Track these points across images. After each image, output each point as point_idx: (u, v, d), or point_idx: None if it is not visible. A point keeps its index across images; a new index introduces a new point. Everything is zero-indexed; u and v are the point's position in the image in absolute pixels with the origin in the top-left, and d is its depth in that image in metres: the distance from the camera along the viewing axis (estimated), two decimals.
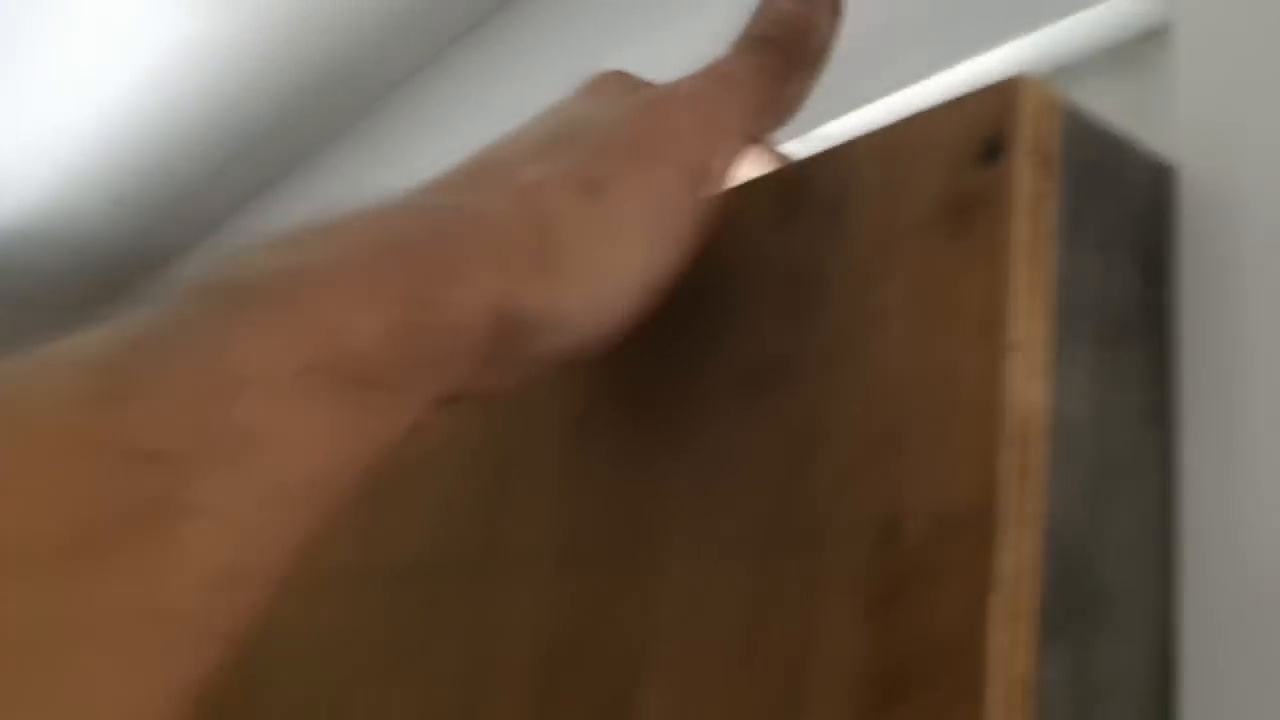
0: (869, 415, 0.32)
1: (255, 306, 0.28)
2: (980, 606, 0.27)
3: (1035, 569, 0.28)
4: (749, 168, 0.39)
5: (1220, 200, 0.35)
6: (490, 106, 0.93)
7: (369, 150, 1.17)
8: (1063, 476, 0.29)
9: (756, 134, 0.39)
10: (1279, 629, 0.30)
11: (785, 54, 0.38)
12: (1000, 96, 0.32)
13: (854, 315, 0.34)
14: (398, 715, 0.47)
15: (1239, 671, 0.31)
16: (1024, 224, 0.30)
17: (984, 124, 0.32)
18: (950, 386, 0.30)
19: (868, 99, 0.49)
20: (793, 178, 0.37)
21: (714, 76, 0.38)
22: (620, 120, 0.36)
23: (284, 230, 0.30)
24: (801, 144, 0.42)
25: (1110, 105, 0.35)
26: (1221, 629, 0.31)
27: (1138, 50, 0.40)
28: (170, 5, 1.08)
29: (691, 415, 0.38)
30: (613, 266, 0.34)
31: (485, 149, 0.37)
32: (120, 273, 1.63)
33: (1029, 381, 0.29)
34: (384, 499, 0.57)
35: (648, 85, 0.39)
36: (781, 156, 0.41)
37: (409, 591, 0.58)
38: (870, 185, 0.35)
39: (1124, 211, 0.34)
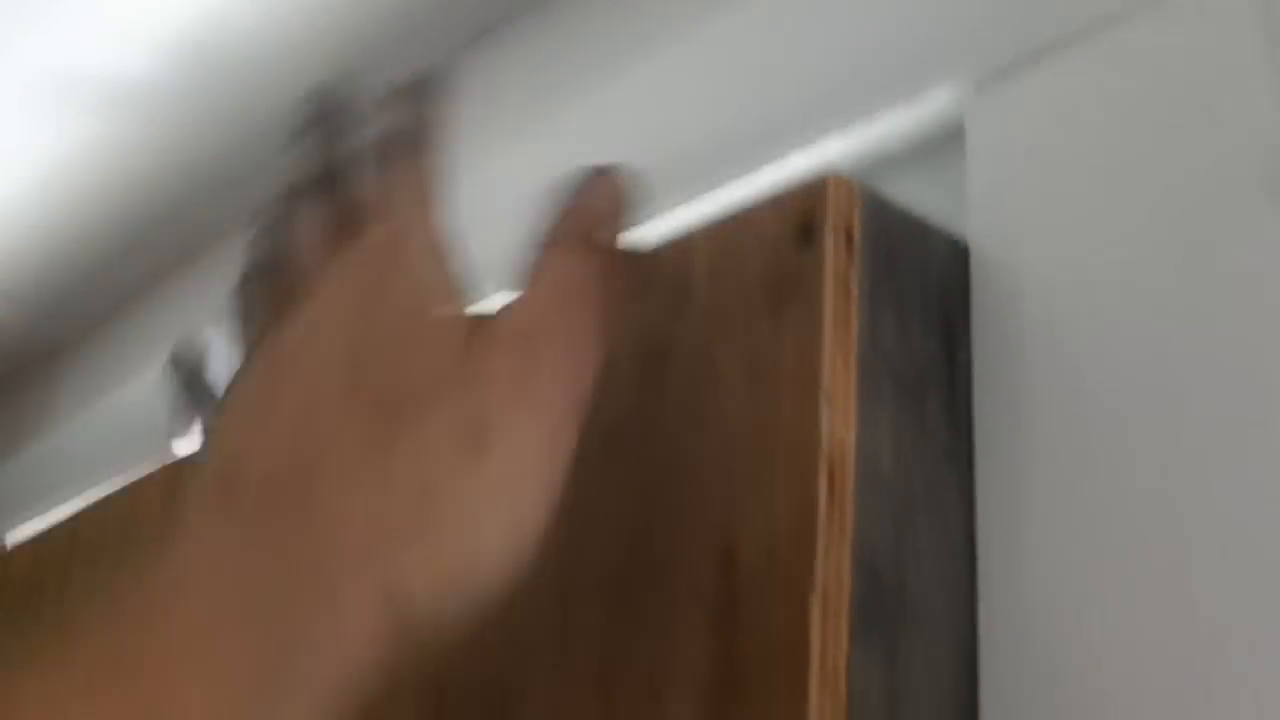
0: (708, 462, 0.38)
1: (78, 681, 0.26)
2: (802, 610, 0.33)
3: (846, 578, 0.34)
4: None
5: (1006, 272, 0.41)
6: None
7: None
8: (870, 503, 0.35)
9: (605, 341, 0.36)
10: (1065, 635, 0.36)
11: (603, 248, 0.37)
12: (811, 190, 0.38)
13: (694, 379, 0.39)
14: None
15: (1032, 668, 0.36)
16: (832, 295, 0.36)
17: (798, 212, 0.38)
18: (774, 432, 0.36)
19: (704, 190, 0.55)
20: (641, 262, 0.43)
21: (561, 293, 0.35)
22: (484, 357, 0.33)
23: (116, 598, 0.28)
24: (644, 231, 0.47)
25: (914, 195, 0.42)
26: (1014, 631, 0.37)
27: (938, 147, 0.47)
28: (59, 108, 1.12)
29: None
30: (501, 525, 0.32)
31: (275, 387, 0.33)
32: (9, 366, 1.64)
33: (839, 423, 0.35)
34: None
35: (446, 295, 0.35)
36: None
37: None
38: (707, 268, 0.40)
39: (923, 282, 0.40)
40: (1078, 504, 0.37)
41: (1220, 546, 0.34)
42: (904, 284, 0.39)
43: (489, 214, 0.41)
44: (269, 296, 0.37)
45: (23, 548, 1.01)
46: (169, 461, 0.78)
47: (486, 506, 0.31)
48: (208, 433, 0.35)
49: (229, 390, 0.35)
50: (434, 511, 0.31)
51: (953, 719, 0.36)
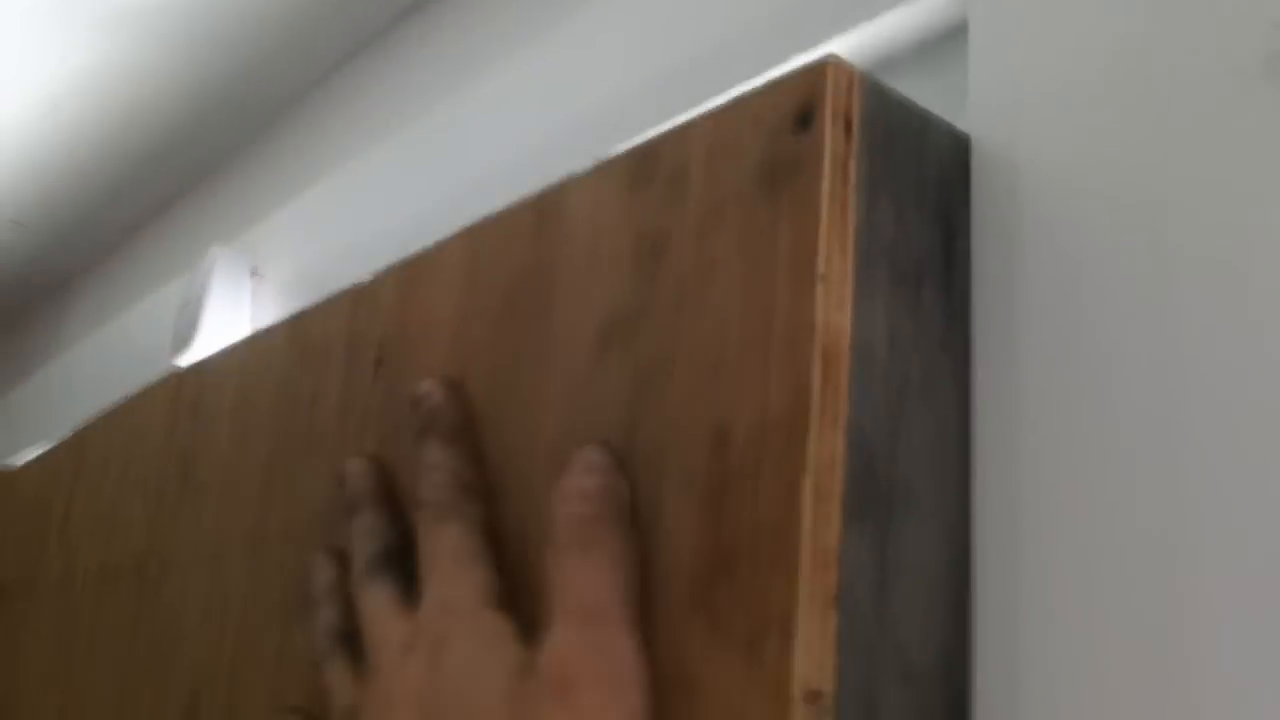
0: (704, 348, 0.37)
1: None
2: (794, 491, 0.33)
3: (840, 462, 0.34)
4: None
5: (1007, 165, 0.41)
6: (385, 120, 0.98)
7: (265, 170, 1.21)
8: (864, 388, 0.35)
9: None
10: (1058, 523, 0.36)
11: (607, 541, 0.37)
12: (810, 74, 0.38)
13: (692, 267, 0.39)
14: None
15: (1027, 554, 0.36)
16: (830, 179, 0.36)
17: (797, 98, 0.38)
18: (769, 316, 0.36)
19: (708, 96, 0.54)
20: (641, 154, 0.43)
21: (584, 618, 0.37)
22: (534, 713, 0.36)
23: None
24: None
25: (917, 94, 0.41)
26: (1011, 518, 0.37)
27: (941, 46, 0.46)
28: (64, 31, 1.12)
29: (555, 369, 0.43)
30: None
31: None
32: (21, 294, 1.64)
33: (834, 309, 0.35)
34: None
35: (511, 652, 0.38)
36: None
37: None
38: (705, 155, 0.40)
39: (922, 172, 0.40)
40: (1074, 396, 0.37)
41: (1216, 439, 0.33)
42: (903, 173, 0.39)
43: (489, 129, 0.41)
44: (347, 672, 0.44)
45: (29, 467, 1.01)
46: (171, 373, 0.78)
47: None
48: None
49: None
50: None
51: (944, 605, 0.36)
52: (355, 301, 0.57)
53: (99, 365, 1.35)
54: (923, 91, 0.42)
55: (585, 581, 0.37)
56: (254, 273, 0.93)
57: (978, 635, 0.36)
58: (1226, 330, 0.34)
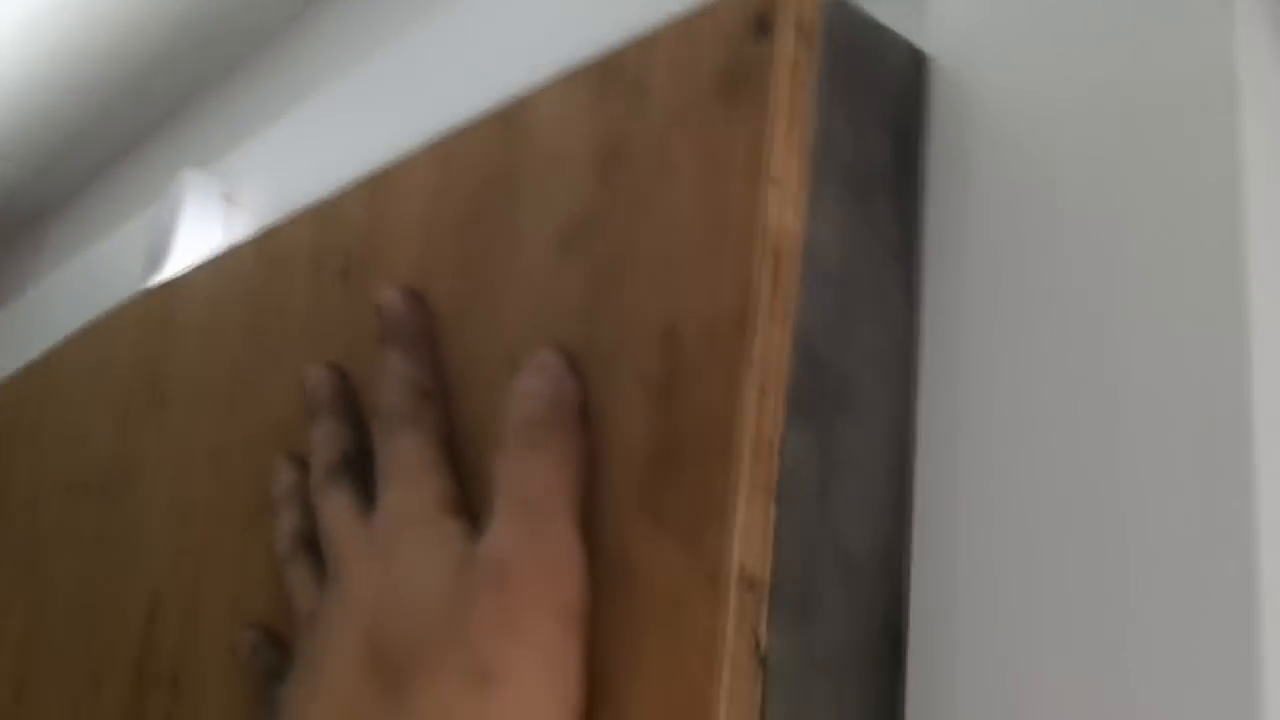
0: (658, 249, 0.38)
1: None
2: (737, 385, 0.34)
3: (785, 359, 0.34)
4: None
5: (964, 82, 0.41)
6: (358, 49, 0.98)
7: (240, 98, 1.21)
8: (813, 290, 0.36)
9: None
10: (999, 428, 0.37)
11: (552, 442, 0.38)
12: None
13: (650, 172, 0.39)
14: None
15: (967, 457, 0.37)
16: (786, 86, 0.36)
17: (756, 6, 0.38)
18: (722, 218, 0.36)
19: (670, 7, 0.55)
20: (605, 63, 0.43)
21: (522, 512, 0.37)
22: (472, 601, 0.36)
23: None
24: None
25: (877, 8, 0.41)
26: (952, 423, 0.38)
27: None
28: None
29: (516, 275, 0.44)
30: None
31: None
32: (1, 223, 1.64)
33: (785, 211, 0.35)
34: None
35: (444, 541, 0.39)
36: None
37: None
38: (667, 63, 0.40)
39: (879, 83, 0.40)
40: (1021, 309, 0.37)
41: (1156, 344, 0.34)
42: (860, 84, 0.39)
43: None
44: (308, 576, 0.45)
45: None
46: (140, 292, 0.78)
47: None
48: (280, 703, 0.42)
49: (295, 667, 0.42)
50: None
51: (885, 503, 0.37)
52: (322, 215, 0.57)
53: (75, 295, 1.35)
54: (883, 7, 0.43)
55: (529, 477, 0.37)
56: (227, 199, 0.93)
57: (917, 533, 0.37)
58: (1171, 242, 0.34)
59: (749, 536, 0.33)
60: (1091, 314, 0.36)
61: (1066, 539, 0.34)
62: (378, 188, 0.54)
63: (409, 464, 0.42)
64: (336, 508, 0.44)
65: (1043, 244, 0.37)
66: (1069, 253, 0.37)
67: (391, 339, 0.46)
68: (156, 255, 0.91)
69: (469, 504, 0.41)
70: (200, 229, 0.89)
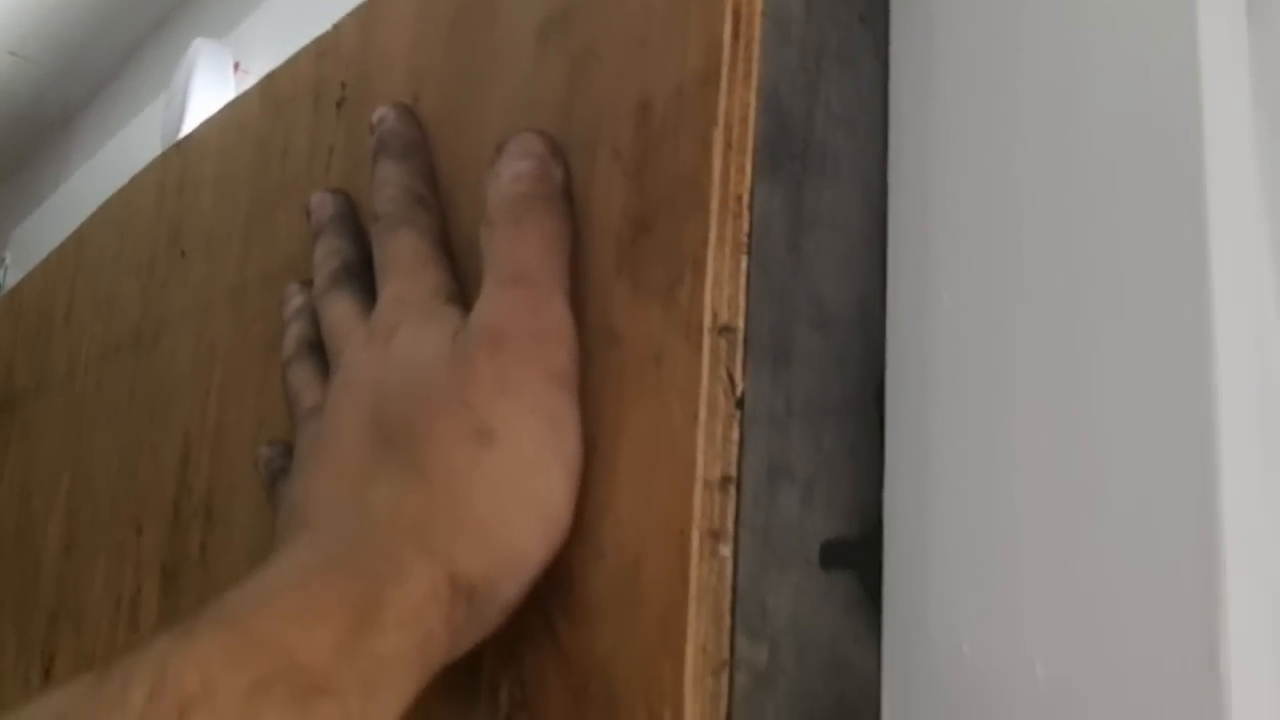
0: (630, 28, 0.39)
1: (202, 633, 0.32)
2: (705, 142, 0.34)
3: (752, 116, 0.35)
4: None
5: None
6: None
7: None
8: (779, 50, 0.36)
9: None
10: (967, 191, 0.37)
11: (536, 214, 0.39)
12: None
13: None
14: None
15: (938, 217, 0.38)
16: None
17: None
18: None
19: None
20: None
21: (509, 280, 0.38)
22: (467, 366, 0.37)
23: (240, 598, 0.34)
24: None
25: None
26: (923, 186, 0.38)
27: None
28: None
29: (498, 78, 0.44)
30: (529, 503, 0.36)
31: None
32: (20, 126, 1.66)
33: None
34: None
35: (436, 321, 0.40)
36: None
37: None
38: None
39: None
40: (991, 72, 0.38)
41: (1121, 102, 0.34)
42: None
43: None
44: (312, 376, 0.46)
45: (31, 275, 1.03)
46: (157, 156, 0.79)
47: (509, 493, 0.36)
48: (287, 483, 0.43)
49: (296, 455, 0.44)
50: (467, 505, 0.36)
51: (861, 262, 0.38)
52: (319, 51, 0.58)
53: (103, 186, 1.37)
54: None
55: (518, 251, 0.38)
56: (238, 68, 0.94)
57: (892, 290, 0.38)
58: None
59: (721, 286, 0.34)
60: (1058, 73, 0.36)
61: (1042, 291, 0.35)
62: (368, 17, 0.55)
63: (406, 259, 0.43)
64: (340, 309, 0.45)
65: (1009, 12, 0.38)
66: (1036, 13, 0.37)
67: (385, 151, 0.47)
68: (172, 123, 0.92)
69: (465, 300, 0.42)
70: (212, 96, 0.90)
